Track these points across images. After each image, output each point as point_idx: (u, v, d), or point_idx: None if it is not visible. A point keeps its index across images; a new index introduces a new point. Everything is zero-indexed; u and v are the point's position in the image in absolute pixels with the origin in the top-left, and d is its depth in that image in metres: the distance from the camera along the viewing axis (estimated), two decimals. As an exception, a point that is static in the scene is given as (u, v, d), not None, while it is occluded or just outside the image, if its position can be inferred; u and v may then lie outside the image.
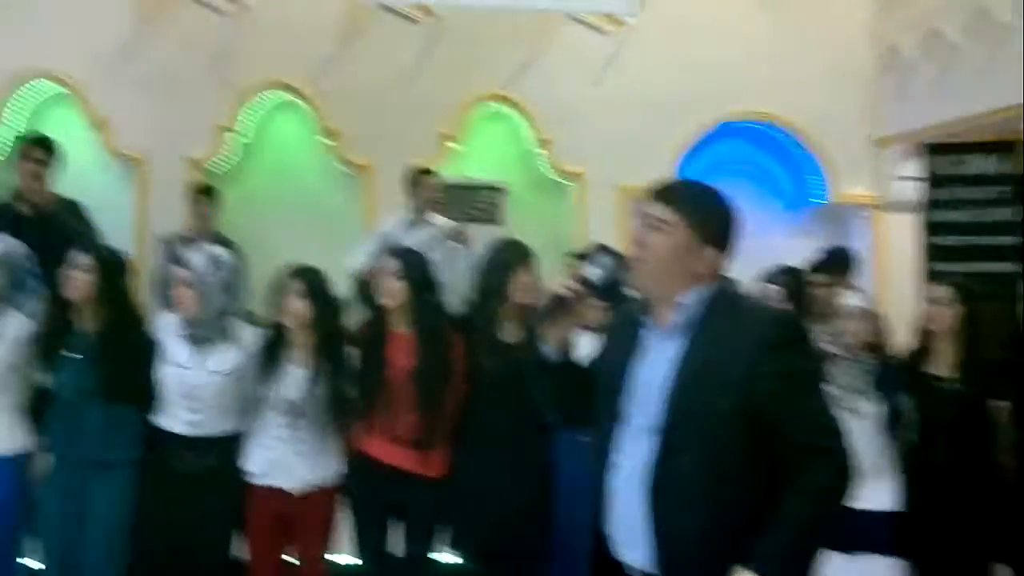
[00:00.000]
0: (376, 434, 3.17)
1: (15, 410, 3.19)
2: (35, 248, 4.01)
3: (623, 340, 2.09)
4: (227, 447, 3.13)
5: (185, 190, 6.00)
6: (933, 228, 5.20)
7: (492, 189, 6.15)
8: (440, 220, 5.66)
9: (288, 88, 6.53)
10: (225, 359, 3.11)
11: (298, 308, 3.09)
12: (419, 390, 3.11)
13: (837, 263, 5.41)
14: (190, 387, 3.06)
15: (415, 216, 5.57)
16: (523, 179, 6.77)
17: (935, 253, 5.19)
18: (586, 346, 2.30)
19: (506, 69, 6.69)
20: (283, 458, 3.08)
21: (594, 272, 2.06)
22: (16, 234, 4.19)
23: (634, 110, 6.67)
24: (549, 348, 2.07)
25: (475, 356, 3.22)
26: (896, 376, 3.59)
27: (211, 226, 5.91)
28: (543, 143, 6.71)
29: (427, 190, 5.56)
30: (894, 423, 3.54)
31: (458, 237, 5.46)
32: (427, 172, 5.65)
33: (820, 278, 4.75)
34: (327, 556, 3.22)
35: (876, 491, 3.42)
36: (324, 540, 3.18)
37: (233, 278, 3.16)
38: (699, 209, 2.02)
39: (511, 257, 3.30)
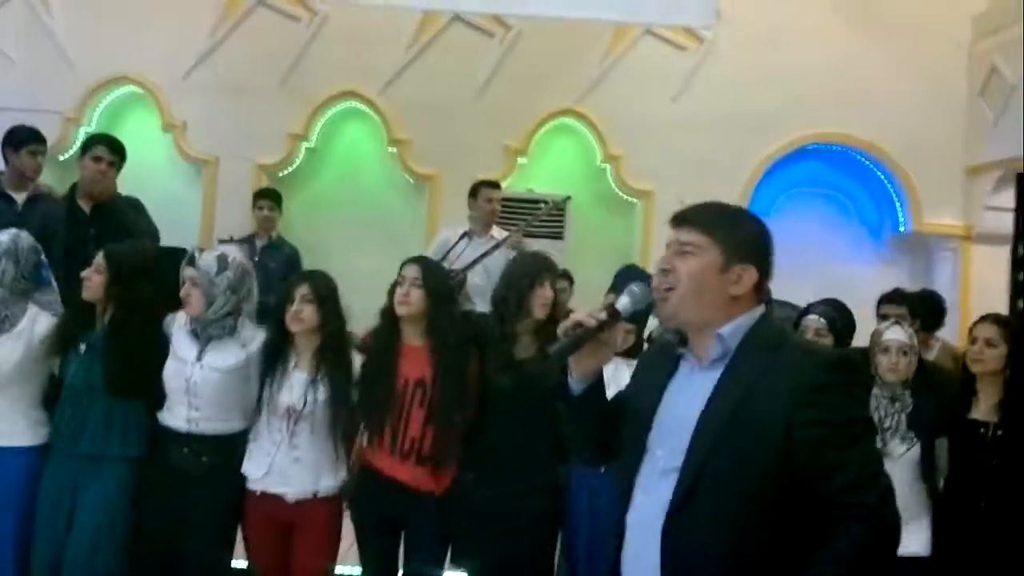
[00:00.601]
0: (381, 447, 3.09)
1: (33, 403, 3.21)
2: (91, 243, 4.09)
3: (656, 372, 1.91)
4: (226, 447, 3.08)
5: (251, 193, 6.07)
6: (1021, 263, 4.82)
7: (556, 204, 6.01)
8: (499, 232, 5.55)
9: (358, 97, 6.55)
10: (226, 357, 3.08)
11: (304, 313, 3.04)
12: (435, 404, 3.02)
13: (932, 316, 4.91)
14: (189, 382, 3.05)
15: (474, 227, 5.47)
16: (589, 195, 6.62)
17: (1022, 291, 4.80)
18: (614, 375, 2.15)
19: (579, 84, 6.59)
20: (280, 464, 3.01)
21: (623, 302, 1.86)
22: (73, 228, 4.30)
23: (708, 128, 6.46)
24: (574, 380, 1.90)
25: (488, 371, 3.11)
26: (935, 416, 3.30)
27: (272, 229, 5.96)
28: (612, 159, 6.56)
29: (486, 202, 5.47)
30: (929, 466, 3.25)
31: (516, 249, 5.33)
32: (488, 184, 5.55)
33: (893, 310, 4.45)
34: (329, 567, 3.12)
35: (907, 536, 3.14)
36: (323, 551, 3.08)
37: (241, 278, 3.11)
38: (728, 226, 1.84)
39: (533, 270, 3.17)
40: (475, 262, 5.26)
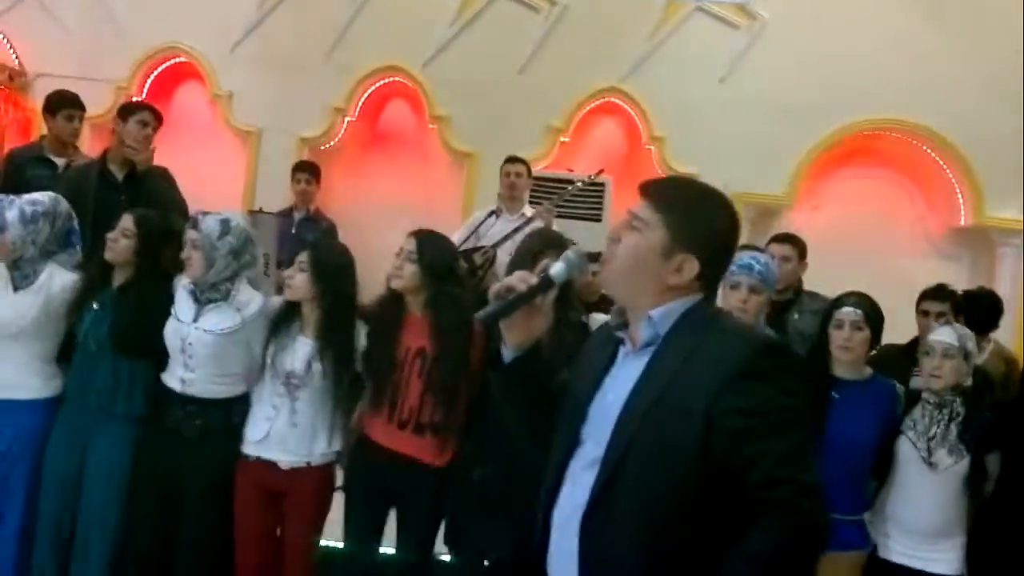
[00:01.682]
0: (379, 417, 3.03)
1: (47, 358, 3.28)
2: (121, 210, 4.15)
3: (597, 357, 1.82)
4: (221, 411, 3.09)
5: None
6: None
7: (594, 185, 5.88)
8: (531, 211, 5.47)
9: (400, 72, 6.53)
10: (222, 319, 3.08)
11: (299, 282, 3.03)
12: (435, 377, 2.97)
13: (986, 316, 4.54)
14: (185, 343, 3.07)
15: (501, 203, 5.40)
16: (631, 176, 6.46)
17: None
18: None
19: (625, 62, 6.43)
20: (279, 428, 3.01)
21: (558, 268, 1.77)
22: (104, 193, 4.36)
23: (759, 111, 6.23)
24: (506, 348, 1.83)
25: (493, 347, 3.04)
26: (988, 429, 3.05)
27: (310, 202, 5.99)
28: (656, 140, 6.38)
29: (505, 176, 5.39)
30: (977, 481, 3.02)
31: (544, 223, 5.21)
32: (510, 159, 5.47)
33: (935, 306, 4.20)
34: (316, 539, 3.11)
35: (947, 554, 2.96)
36: (312, 520, 3.07)
37: (243, 244, 3.11)
38: (684, 210, 1.71)
39: (537, 246, 3.08)
40: (505, 239, 5.19)
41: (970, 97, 6.06)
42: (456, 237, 5.34)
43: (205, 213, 3.15)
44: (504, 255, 5.13)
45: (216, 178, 6.32)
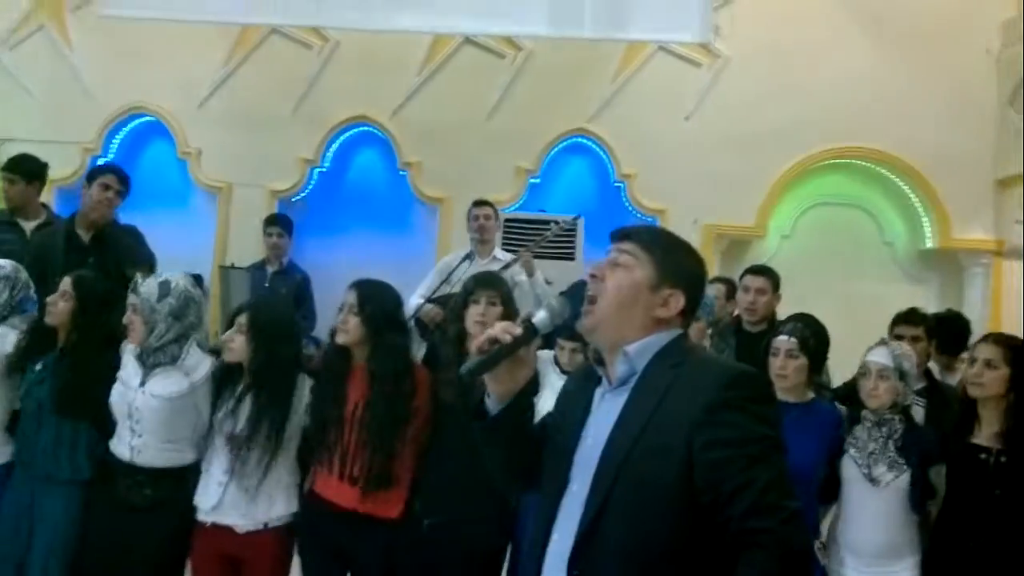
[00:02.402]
0: (329, 474, 2.98)
1: None
2: (90, 269, 4.11)
3: (579, 396, 1.83)
4: (172, 480, 3.03)
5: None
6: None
7: (565, 224, 5.91)
8: (503, 254, 5.47)
9: (369, 121, 6.57)
10: (168, 384, 3.02)
11: (237, 344, 2.99)
12: (368, 427, 2.94)
13: (956, 339, 4.54)
14: (132, 408, 3.01)
15: (475, 249, 5.40)
16: (602, 215, 6.51)
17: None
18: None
19: (591, 103, 6.51)
20: (232, 494, 2.95)
21: (540, 317, 1.77)
22: (71, 256, 4.32)
23: (726, 145, 6.32)
24: (491, 401, 1.81)
25: (438, 392, 3.03)
26: (929, 443, 3.07)
27: (282, 255, 5.97)
28: (626, 178, 6.45)
29: (473, 220, 5.40)
30: (920, 496, 3.01)
31: (527, 270, 5.21)
32: (477, 203, 5.48)
33: (908, 331, 4.23)
34: None
35: (894, 572, 2.94)
36: None
37: (184, 305, 3.04)
38: (667, 248, 1.78)
39: (470, 286, 3.10)
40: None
41: (934, 123, 6.19)
42: (428, 283, 5.34)
43: (145, 276, 3.10)
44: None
45: (187, 235, 6.31)
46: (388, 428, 2.93)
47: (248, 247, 6.23)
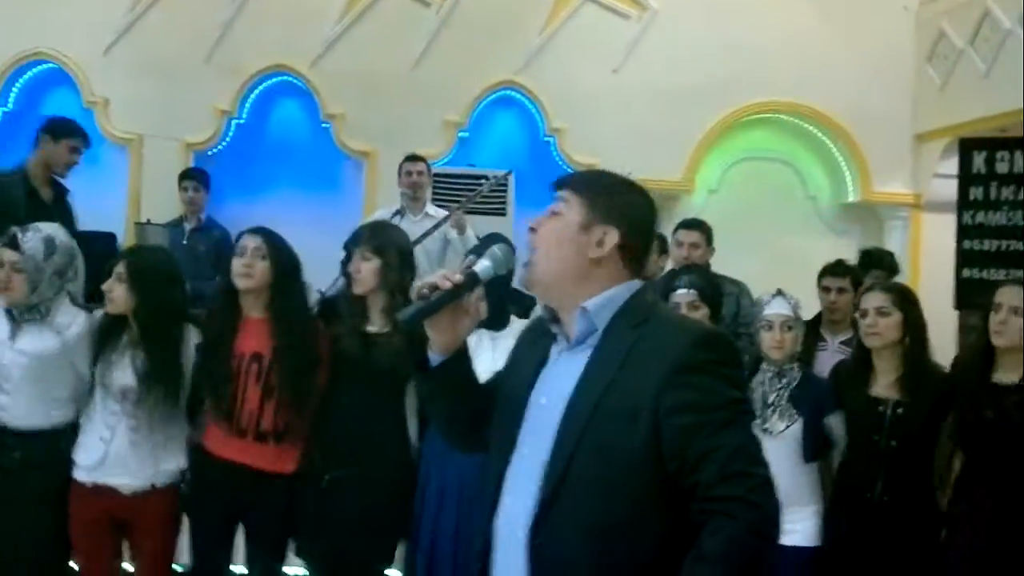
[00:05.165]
0: (218, 428, 2.87)
1: None
2: None
3: (530, 356, 1.74)
4: (43, 442, 2.86)
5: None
6: (964, 231, 4.69)
7: (497, 179, 5.81)
8: (435, 210, 5.35)
9: (289, 71, 6.29)
10: (38, 340, 2.86)
11: (118, 294, 2.84)
12: (273, 377, 2.85)
13: (875, 264, 4.69)
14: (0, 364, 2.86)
15: (406, 204, 5.26)
16: (533, 169, 6.42)
17: (966, 259, 4.67)
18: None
19: (519, 55, 6.38)
20: (115, 452, 2.81)
21: (483, 265, 1.68)
22: (33, 211, 4.02)
23: (654, 99, 6.29)
24: (432, 351, 1.72)
25: (337, 344, 2.94)
26: (822, 393, 3.09)
27: (200, 211, 5.71)
28: (556, 132, 6.36)
29: (405, 175, 5.26)
30: (815, 445, 3.03)
31: (458, 228, 5.10)
32: (408, 158, 5.34)
33: (835, 282, 4.30)
34: (168, 564, 2.95)
35: (797, 523, 2.93)
36: (162, 546, 2.90)
37: (68, 262, 2.91)
38: (600, 189, 1.68)
39: (350, 241, 3.03)
40: (415, 242, 5.05)
41: (856, 79, 6.26)
42: (357, 240, 5.19)
43: (24, 230, 2.89)
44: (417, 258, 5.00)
45: (97, 190, 5.94)
46: (297, 378, 2.83)
47: (163, 203, 5.92)
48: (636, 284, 1.67)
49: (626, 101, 6.30)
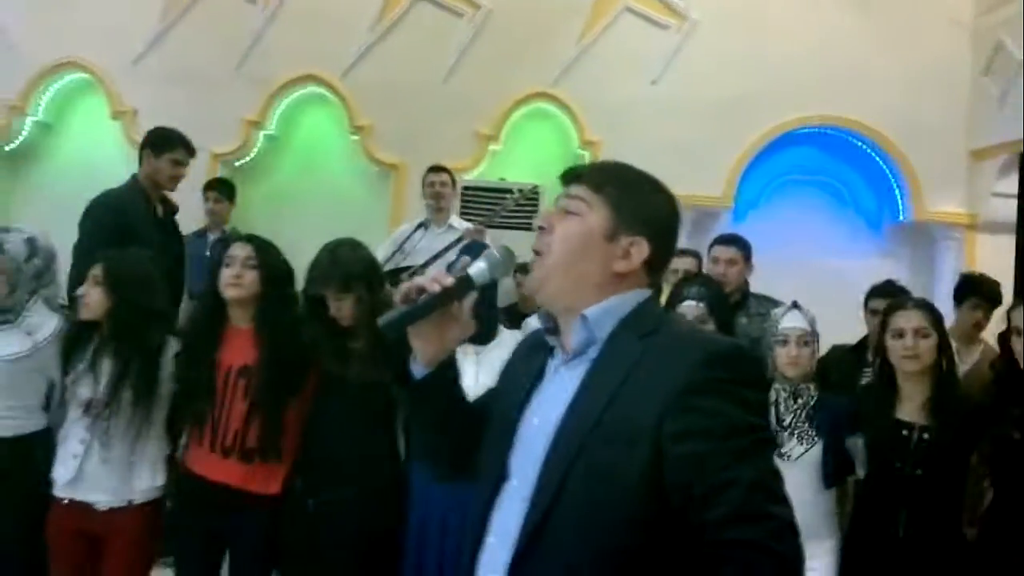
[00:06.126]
0: (201, 445, 2.72)
1: None
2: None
3: (525, 370, 1.53)
4: (17, 449, 2.75)
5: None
6: (1029, 250, 4.38)
7: (524, 193, 5.60)
8: (459, 223, 5.16)
9: (318, 81, 6.18)
10: (10, 343, 2.76)
11: (93, 298, 2.71)
12: (260, 393, 2.69)
13: (973, 291, 4.31)
14: None
15: (431, 217, 5.09)
16: (565, 184, 6.21)
17: (1031, 280, 4.35)
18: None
19: (554, 66, 6.19)
20: (90, 467, 2.68)
21: (479, 267, 1.48)
22: (152, 228, 3.98)
23: (693, 112, 6.05)
24: (416, 363, 1.51)
25: (323, 360, 2.78)
26: (842, 412, 2.83)
27: (223, 222, 5.60)
28: (589, 145, 6.14)
29: (428, 187, 5.10)
30: (836, 469, 2.77)
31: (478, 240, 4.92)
32: (432, 168, 5.17)
33: (880, 304, 4.00)
34: None
35: (815, 559, 2.58)
36: (136, 565, 2.75)
37: (47, 265, 2.85)
38: (625, 188, 1.47)
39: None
40: (435, 257, 4.88)
41: (907, 93, 5.97)
42: (381, 253, 5.02)
43: (6, 230, 2.82)
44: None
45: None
46: (280, 395, 2.67)
47: (190, 214, 5.76)
48: (644, 292, 1.46)
49: (664, 114, 6.07)
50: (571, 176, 1.51)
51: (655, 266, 1.46)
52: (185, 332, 2.81)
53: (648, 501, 1.28)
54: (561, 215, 1.46)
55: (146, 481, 2.72)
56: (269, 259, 2.77)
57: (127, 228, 3.71)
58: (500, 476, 1.44)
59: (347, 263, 2.75)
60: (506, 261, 1.50)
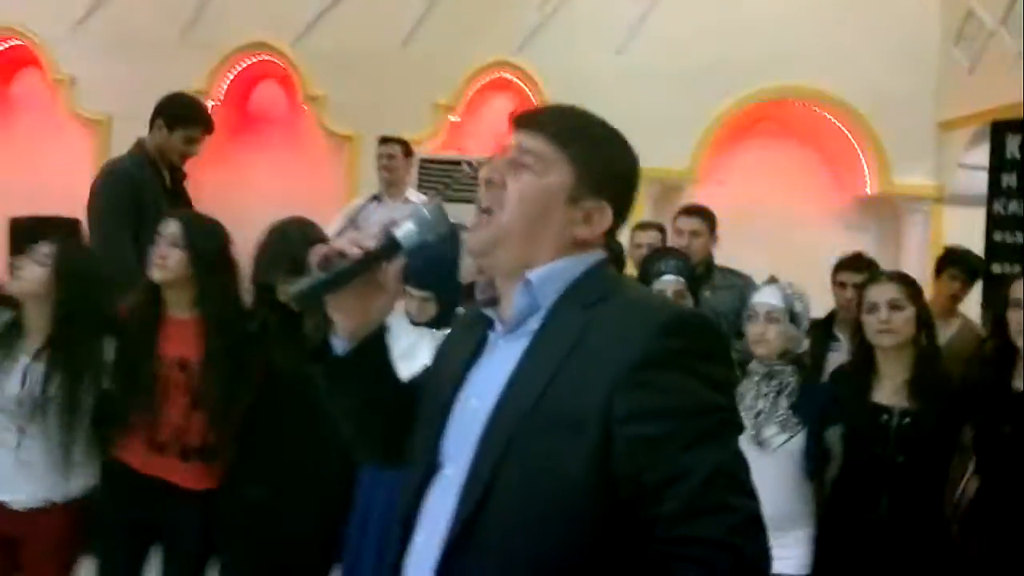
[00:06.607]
0: (135, 439, 2.53)
1: None
2: None
3: (462, 345, 1.35)
4: None
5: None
6: (996, 222, 4.26)
7: (478, 165, 5.42)
8: (416, 196, 4.97)
9: (268, 49, 5.92)
10: None
11: (30, 275, 2.49)
12: (201, 386, 2.50)
13: (956, 263, 4.17)
14: None
15: (384, 190, 4.89)
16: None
17: (997, 252, 4.23)
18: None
19: (516, 34, 6.00)
20: (5, 466, 2.49)
21: (407, 228, 1.28)
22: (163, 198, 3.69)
23: (659, 83, 5.88)
24: (337, 337, 1.32)
25: (276, 353, 2.58)
26: (827, 400, 2.68)
27: (168, 196, 5.34)
28: (552, 116, 5.95)
29: (379, 158, 4.89)
30: (816, 460, 2.61)
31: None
32: (383, 140, 4.96)
33: (852, 278, 3.89)
34: None
35: (789, 548, 2.52)
36: (57, 568, 2.57)
37: None
38: (590, 144, 1.28)
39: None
40: (386, 232, 4.70)
41: (874, 62, 5.84)
42: (333, 228, 4.83)
43: None
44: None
45: (61, 172, 5.62)
46: (230, 395, 2.47)
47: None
48: (595, 255, 1.28)
49: (629, 84, 5.89)
50: (527, 122, 1.30)
51: (612, 230, 1.30)
52: (122, 322, 2.60)
53: (594, 494, 1.12)
54: (514, 168, 1.26)
55: (69, 482, 2.53)
56: (198, 238, 2.53)
57: (142, 205, 3.48)
58: (432, 464, 1.27)
59: (296, 246, 2.52)
60: (437, 220, 1.30)
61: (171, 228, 2.53)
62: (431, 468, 1.26)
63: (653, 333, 1.14)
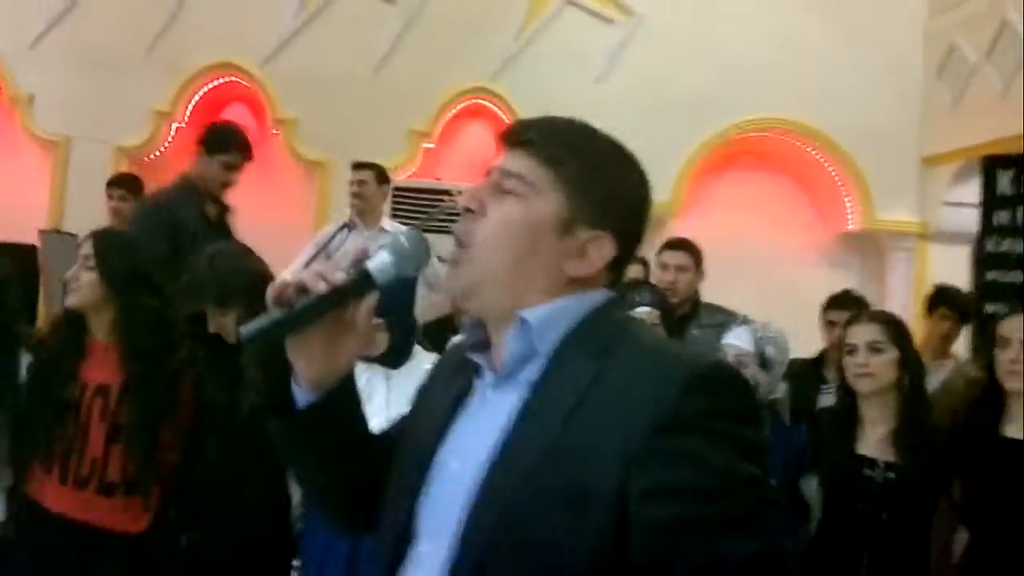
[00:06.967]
0: (50, 476, 2.37)
1: None
2: None
3: (444, 395, 1.16)
4: None
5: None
6: (988, 261, 4.16)
7: (461, 194, 5.25)
8: (392, 226, 4.77)
9: (236, 70, 5.72)
10: None
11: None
12: (127, 415, 2.35)
13: (945, 302, 4.07)
14: None
15: (357, 218, 4.69)
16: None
17: (990, 292, 4.12)
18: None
19: (492, 60, 5.87)
20: None
21: (381, 260, 1.10)
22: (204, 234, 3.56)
23: (639, 113, 5.72)
24: (299, 387, 1.13)
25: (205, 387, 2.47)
26: (799, 447, 2.56)
27: (127, 221, 5.08)
28: (529, 145, 5.80)
29: (349, 185, 4.70)
30: (790, 512, 2.48)
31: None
32: (357, 166, 4.78)
33: (842, 316, 3.73)
34: None
35: None
36: None
37: None
38: (592, 168, 1.10)
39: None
40: (360, 260, 4.49)
41: (858, 95, 5.78)
42: (303, 257, 4.62)
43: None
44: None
45: (16, 193, 5.38)
46: (151, 418, 2.33)
47: (89, 212, 5.30)
48: (601, 294, 1.10)
49: (608, 114, 5.50)
50: (515, 139, 1.12)
51: (618, 264, 1.11)
52: (39, 345, 2.46)
53: None
54: (496, 194, 1.08)
55: None
56: (110, 257, 2.37)
57: (179, 236, 3.40)
58: (404, 536, 1.07)
59: (225, 275, 2.38)
60: (417, 252, 1.12)
61: (84, 248, 2.39)
62: (403, 542, 1.07)
63: (673, 391, 0.97)
